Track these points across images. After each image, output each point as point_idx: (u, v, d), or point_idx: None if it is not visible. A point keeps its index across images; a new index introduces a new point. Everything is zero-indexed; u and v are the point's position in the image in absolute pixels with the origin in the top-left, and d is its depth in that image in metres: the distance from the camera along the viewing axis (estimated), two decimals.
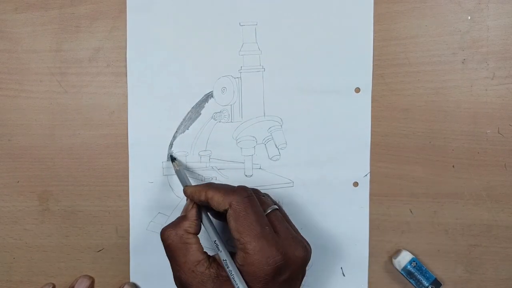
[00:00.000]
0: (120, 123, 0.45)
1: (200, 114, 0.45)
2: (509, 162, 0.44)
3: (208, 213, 0.39)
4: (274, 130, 0.44)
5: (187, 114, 0.45)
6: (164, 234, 0.37)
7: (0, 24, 0.45)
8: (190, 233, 0.37)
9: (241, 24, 0.44)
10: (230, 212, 0.36)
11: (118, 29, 0.45)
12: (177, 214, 0.45)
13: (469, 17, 0.43)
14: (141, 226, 0.45)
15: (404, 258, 0.44)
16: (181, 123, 0.45)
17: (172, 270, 0.37)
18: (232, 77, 0.44)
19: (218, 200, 0.37)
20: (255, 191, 0.39)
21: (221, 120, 0.45)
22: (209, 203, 0.37)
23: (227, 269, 0.35)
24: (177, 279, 0.37)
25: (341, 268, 0.45)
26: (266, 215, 0.37)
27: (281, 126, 0.44)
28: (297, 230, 0.39)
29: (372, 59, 0.44)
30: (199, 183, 0.40)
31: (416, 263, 0.44)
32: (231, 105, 0.44)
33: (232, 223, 0.35)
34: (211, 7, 0.44)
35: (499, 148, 0.43)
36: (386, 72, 0.44)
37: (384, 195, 0.45)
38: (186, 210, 0.39)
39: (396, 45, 0.43)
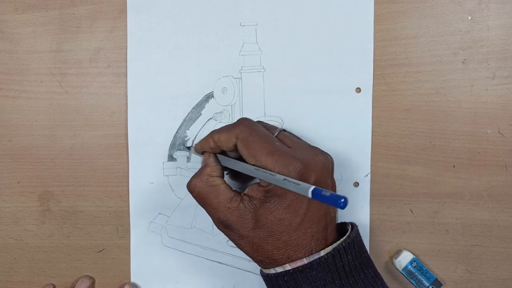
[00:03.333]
0: (121, 123, 0.45)
1: (201, 114, 0.45)
2: (510, 162, 0.44)
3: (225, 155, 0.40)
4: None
5: (188, 115, 0.45)
6: (191, 185, 0.38)
7: (1, 24, 0.45)
8: (214, 176, 0.38)
9: (242, 24, 0.44)
10: (238, 142, 0.37)
11: (119, 30, 0.45)
12: (178, 214, 0.45)
13: (469, 17, 0.43)
14: (142, 226, 0.45)
15: (404, 258, 0.44)
16: (182, 124, 0.45)
17: (210, 215, 0.38)
18: (233, 77, 0.44)
19: (225, 138, 0.38)
20: (259, 121, 0.40)
21: (221, 120, 0.45)
22: (218, 146, 0.38)
23: (268, 177, 0.34)
24: (217, 220, 0.37)
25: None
26: (275, 136, 0.38)
27: (282, 126, 0.44)
28: (311, 145, 0.40)
29: (372, 59, 0.44)
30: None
31: (417, 263, 0.44)
32: (231, 105, 0.44)
33: (244, 152, 0.36)
34: (211, 8, 0.44)
35: (500, 148, 0.43)
36: (386, 72, 0.44)
37: (384, 195, 0.45)
38: (204, 161, 0.40)
39: (396, 45, 0.43)
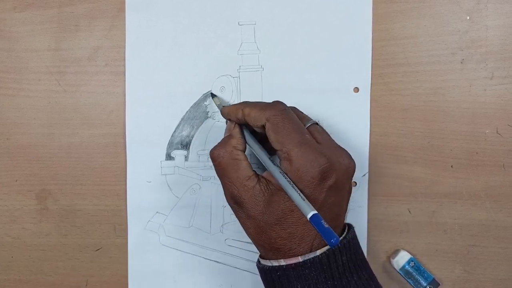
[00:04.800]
0: (119, 122, 0.45)
1: (199, 113, 0.45)
2: (508, 162, 0.44)
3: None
4: None
5: (186, 113, 0.45)
6: (214, 153, 0.37)
7: None
8: (238, 149, 0.37)
9: (240, 23, 0.44)
10: (268, 125, 0.36)
11: (117, 28, 0.45)
12: (175, 213, 0.45)
13: (468, 17, 0.43)
14: (139, 225, 0.45)
15: (402, 258, 0.44)
16: (180, 122, 0.45)
17: (224, 187, 0.37)
18: (231, 76, 0.44)
19: (255, 116, 0.37)
20: (293, 108, 0.40)
21: (220, 119, 0.44)
22: (246, 120, 0.38)
23: (278, 176, 0.35)
24: (230, 195, 0.37)
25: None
26: (306, 128, 0.37)
27: None
28: (339, 145, 0.39)
29: (371, 58, 0.44)
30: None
31: (414, 263, 0.44)
32: (229, 104, 0.44)
33: (272, 136, 0.36)
34: (210, 6, 0.44)
35: (498, 148, 0.43)
36: (385, 72, 0.44)
37: (382, 195, 0.45)
38: (229, 129, 0.39)
39: (395, 45, 0.43)
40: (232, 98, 0.44)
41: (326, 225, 0.31)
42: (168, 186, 0.45)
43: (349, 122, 0.44)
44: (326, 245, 0.35)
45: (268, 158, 0.36)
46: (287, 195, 0.35)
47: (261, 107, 0.37)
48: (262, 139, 0.39)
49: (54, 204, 0.46)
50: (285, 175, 0.35)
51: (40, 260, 0.46)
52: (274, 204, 0.35)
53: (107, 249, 0.46)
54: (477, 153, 0.44)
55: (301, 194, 0.33)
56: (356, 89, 0.44)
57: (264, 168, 0.37)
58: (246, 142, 0.39)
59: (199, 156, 0.45)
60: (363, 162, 0.44)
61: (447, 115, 0.44)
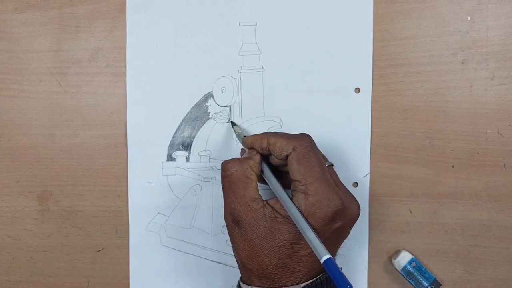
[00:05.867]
0: (120, 123, 0.45)
1: (200, 114, 0.45)
2: (509, 163, 0.44)
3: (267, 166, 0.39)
4: (274, 130, 0.44)
5: (187, 114, 0.45)
6: (228, 164, 0.37)
7: (0, 24, 0.45)
8: (253, 170, 0.37)
9: (241, 24, 0.44)
10: (293, 155, 0.36)
11: (118, 29, 0.45)
12: (177, 214, 0.45)
13: (468, 18, 0.43)
14: (141, 226, 0.45)
15: (403, 258, 0.44)
16: (181, 123, 0.45)
17: (225, 202, 0.37)
18: (232, 77, 0.44)
19: (281, 145, 0.37)
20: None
21: (220, 120, 0.45)
22: (271, 149, 0.37)
23: (295, 215, 0.34)
24: (230, 211, 0.36)
25: (341, 268, 0.45)
26: None
27: (281, 126, 0.44)
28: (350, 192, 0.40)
29: (372, 59, 0.44)
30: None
31: (416, 263, 0.44)
32: (230, 105, 0.44)
33: (294, 166, 0.36)
34: (211, 7, 0.44)
35: (499, 149, 0.43)
36: (385, 72, 0.44)
37: (383, 196, 0.45)
38: (249, 154, 0.39)
39: (395, 46, 0.43)
40: (233, 99, 0.44)
41: (341, 270, 0.31)
42: (170, 187, 0.45)
43: (350, 122, 0.44)
44: (313, 278, 0.35)
45: (285, 193, 0.36)
46: (292, 227, 0.34)
47: (288, 137, 0.37)
48: (275, 174, 0.39)
49: (55, 205, 0.46)
50: (302, 214, 0.34)
51: (41, 261, 0.46)
52: (277, 232, 0.35)
53: (109, 250, 0.46)
54: (478, 153, 0.44)
55: (317, 235, 0.33)
56: (357, 90, 0.44)
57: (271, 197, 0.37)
58: (262, 172, 0.38)
59: (200, 157, 0.45)
60: (364, 163, 0.44)
61: (448, 116, 0.44)
